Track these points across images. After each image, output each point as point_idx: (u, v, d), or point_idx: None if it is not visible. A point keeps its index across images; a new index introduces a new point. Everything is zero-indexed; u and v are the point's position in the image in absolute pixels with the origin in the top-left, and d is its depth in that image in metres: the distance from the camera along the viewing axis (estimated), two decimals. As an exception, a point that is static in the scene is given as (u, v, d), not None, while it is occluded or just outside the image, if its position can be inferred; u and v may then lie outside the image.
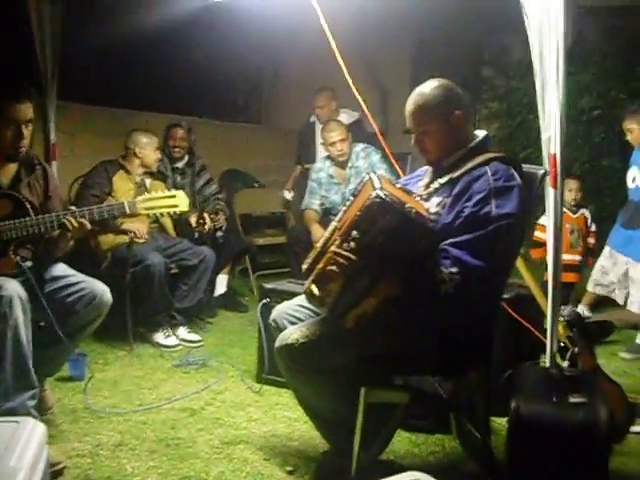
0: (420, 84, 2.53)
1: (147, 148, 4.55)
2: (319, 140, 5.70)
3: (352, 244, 2.17)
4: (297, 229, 5.28)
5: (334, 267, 2.20)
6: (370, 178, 2.31)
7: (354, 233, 2.16)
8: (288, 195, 6.15)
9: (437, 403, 2.99)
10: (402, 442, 2.97)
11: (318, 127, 5.85)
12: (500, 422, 3.05)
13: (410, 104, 2.48)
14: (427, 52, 7.31)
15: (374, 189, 2.16)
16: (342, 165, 5.03)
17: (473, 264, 2.20)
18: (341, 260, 2.18)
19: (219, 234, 5.02)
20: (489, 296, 2.44)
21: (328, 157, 5.10)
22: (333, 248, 2.23)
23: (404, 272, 2.20)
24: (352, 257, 2.16)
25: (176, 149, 5.15)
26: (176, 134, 5.16)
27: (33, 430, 1.72)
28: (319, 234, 4.81)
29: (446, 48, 7.00)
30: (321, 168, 5.15)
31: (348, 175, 5.01)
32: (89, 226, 2.82)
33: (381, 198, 2.12)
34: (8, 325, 2.52)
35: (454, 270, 2.19)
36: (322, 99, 5.79)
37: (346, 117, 5.75)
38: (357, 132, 5.34)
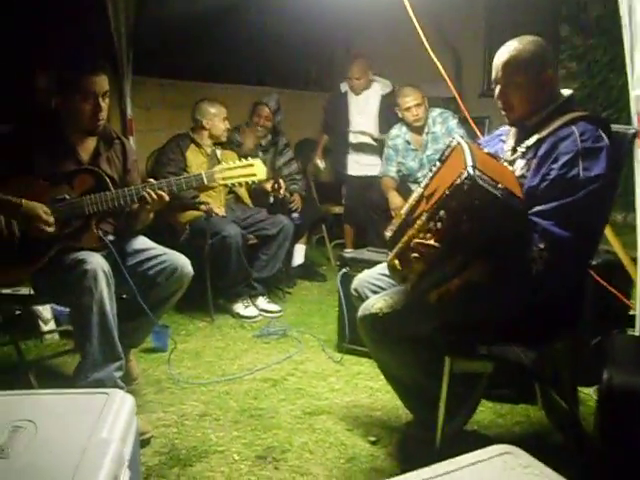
0: (494, 48, 2.43)
1: (214, 119, 4.54)
2: (354, 110, 5.73)
3: (439, 224, 2.08)
4: (376, 196, 5.20)
5: (419, 247, 2.13)
6: (460, 146, 2.19)
7: (441, 213, 2.07)
8: (321, 165, 6.05)
9: (522, 372, 2.92)
10: (486, 412, 2.93)
11: (352, 97, 5.81)
12: (587, 392, 2.97)
13: (503, 54, 2.36)
14: (501, 14, 7.06)
15: (465, 167, 2.03)
16: (418, 131, 4.93)
17: (562, 236, 2.09)
18: (425, 245, 2.11)
19: (295, 215, 4.99)
20: (578, 265, 2.33)
21: (404, 123, 5.00)
22: (419, 225, 2.15)
23: (493, 259, 2.12)
24: (436, 244, 2.09)
25: (260, 127, 5.14)
26: (262, 112, 5.14)
27: (122, 401, 1.73)
28: (397, 201, 4.75)
29: (521, 8, 6.74)
30: (397, 134, 5.06)
31: (425, 141, 4.91)
32: (167, 198, 2.82)
33: (472, 179, 1.99)
34: (94, 298, 2.56)
35: (542, 246, 2.10)
36: (358, 69, 5.65)
37: (380, 87, 5.71)
38: (391, 103, 5.26)
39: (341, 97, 5.87)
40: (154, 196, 2.78)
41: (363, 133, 5.75)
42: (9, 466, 1.45)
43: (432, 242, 2.10)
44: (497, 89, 2.39)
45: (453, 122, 4.86)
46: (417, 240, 2.14)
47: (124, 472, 1.55)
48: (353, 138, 5.79)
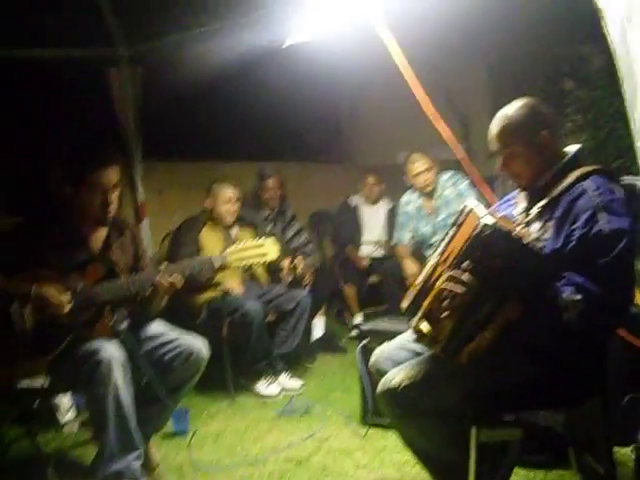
0: (499, 106, 2.43)
1: (216, 201, 4.56)
2: (366, 222, 5.91)
3: (466, 275, 2.08)
4: (391, 266, 5.19)
5: (447, 301, 2.11)
6: (472, 208, 2.22)
7: (466, 264, 2.09)
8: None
9: (553, 437, 2.83)
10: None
11: (364, 209, 6.00)
12: (624, 452, 2.86)
13: (494, 126, 2.38)
14: (504, 73, 7.14)
15: (480, 217, 2.10)
16: (430, 195, 4.93)
17: (598, 291, 2.05)
18: (456, 292, 2.09)
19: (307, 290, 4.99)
20: (612, 323, 2.27)
21: (414, 189, 5.01)
22: (443, 281, 2.14)
23: (526, 296, 2.09)
24: (469, 287, 2.07)
25: (271, 200, 5.19)
26: (270, 185, 5.20)
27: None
28: (413, 268, 4.72)
29: (523, 66, 6.82)
30: (409, 201, 5.07)
31: (437, 205, 4.90)
32: (179, 285, 2.82)
33: (492, 225, 2.05)
34: (108, 388, 2.53)
35: (577, 297, 2.05)
36: (375, 178, 5.93)
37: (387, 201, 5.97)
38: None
39: (347, 209, 6.06)
40: (165, 284, 2.78)
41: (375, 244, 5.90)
42: None
43: (465, 278, 2.08)
44: (498, 161, 2.39)
45: (464, 185, 4.85)
46: (444, 283, 2.12)
47: None
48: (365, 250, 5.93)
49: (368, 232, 5.95)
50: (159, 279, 2.78)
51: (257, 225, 4.99)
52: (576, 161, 2.34)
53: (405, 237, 5.06)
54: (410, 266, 4.81)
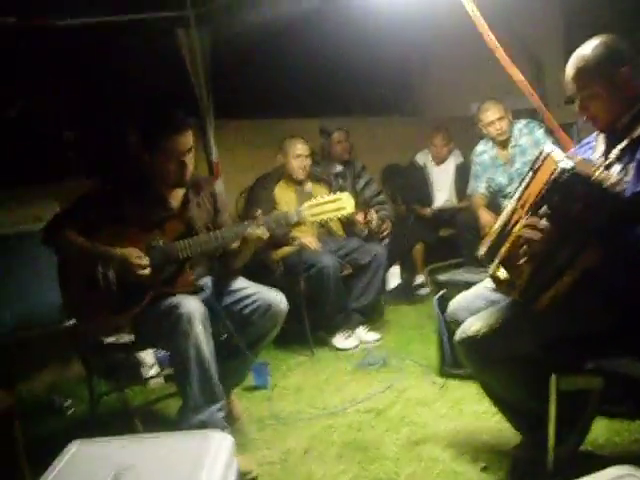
0: (575, 50, 2.33)
1: (287, 157, 4.57)
2: (435, 181, 5.83)
3: (543, 221, 2.05)
4: (466, 216, 5.14)
5: (525, 247, 2.08)
6: (550, 152, 2.16)
7: (543, 209, 2.05)
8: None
9: (636, 386, 2.77)
10: (600, 430, 2.77)
11: (432, 168, 5.90)
12: None
13: (570, 68, 2.29)
14: (579, 14, 6.88)
15: (558, 161, 2.04)
16: (504, 144, 4.82)
17: None
18: (536, 237, 2.05)
19: (386, 242, 5.00)
20: None
21: (489, 138, 4.91)
22: (520, 227, 2.10)
23: (606, 241, 2.03)
24: (548, 232, 2.04)
25: (339, 154, 5.20)
26: (336, 139, 5.20)
27: (221, 443, 1.74)
28: (488, 218, 4.65)
29: (600, 6, 6.54)
30: (483, 150, 4.97)
31: (512, 154, 4.79)
32: (266, 237, 2.85)
33: (571, 168, 1.99)
34: (190, 342, 2.60)
35: None
36: (443, 136, 5.82)
37: (455, 157, 5.90)
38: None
39: (416, 169, 5.98)
40: (255, 235, 2.82)
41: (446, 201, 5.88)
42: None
43: (543, 224, 2.04)
44: (576, 104, 2.31)
45: (540, 132, 4.72)
46: (522, 229, 2.08)
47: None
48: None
49: (437, 190, 5.89)
50: (250, 231, 2.81)
51: (330, 180, 5.01)
52: (658, 100, 2.25)
53: (480, 187, 4.97)
54: (485, 216, 4.74)
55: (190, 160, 2.89)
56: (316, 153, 5.09)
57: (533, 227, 2.07)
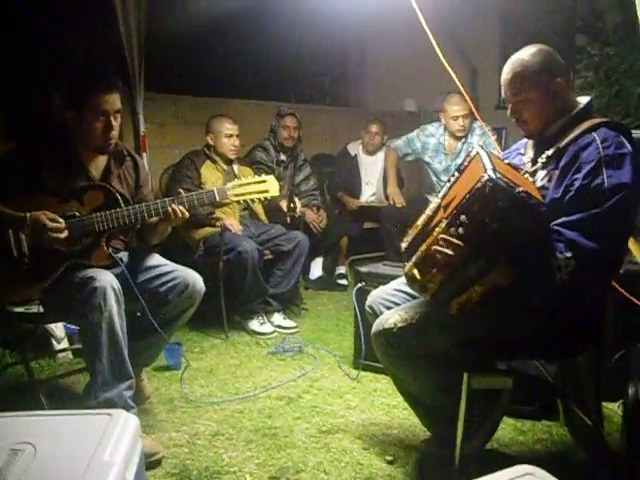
0: (510, 58, 2.35)
1: (219, 136, 4.48)
2: (365, 172, 5.86)
3: (460, 230, 2.03)
4: (390, 209, 5.18)
5: (439, 254, 2.08)
6: (479, 155, 2.14)
7: (462, 218, 2.02)
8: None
9: (543, 388, 2.84)
10: (507, 429, 2.85)
11: (364, 157, 5.90)
12: (611, 408, 2.89)
13: (507, 72, 2.30)
14: (515, 25, 7.05)
15: (485, 170, 2.01)
16: (457, 138, 4.90)
17: (589, 247, 2.03)
18: (448, 247, 2.05)
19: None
20: (605, 276, 2.26)
21: (443, 125, 4.96)
22: (438, 232, 2.10)
23: (518, 260, 2.05)
24: (460, 244, 2.03)
25: (288, 140, 5.09)
26: (291, 123, 5.07)
27: (126, 422, 1.67)
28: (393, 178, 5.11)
29: (535, 19, 6.70)
30: (432, 134, 5.06)
31: (459, 149, 4.89)
32: (187, 214, 2.79)
33: (493, 181, 1.96)
34: (102, 316, 2.52)
35: (569, 255, 2.03)
36: (377, 126, 5.80)
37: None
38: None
39: (347, 158, 5.97)
40: (178, 212, 2.75)
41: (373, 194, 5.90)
42: (6, 491, 1.40)
43: (456, 241, 2.03)
44: (509, 106, 2.33)
45: (492, 139, 4.74)
46: (440, 234, 2.08)
47: (127, 496, 1.49)
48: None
49: (365, 183, 5.90)
50: (172, 207, 2.75)
51: (273, 168, 4.97)
52: (586, 112, 2.28)
53: (403, 150, 5.16)
54: (391, 173, 5.21)
55: (116, 124, 2.80)
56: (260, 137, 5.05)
57: (450, 234, 2.06)
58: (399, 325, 2.29)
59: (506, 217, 1.99)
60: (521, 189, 2.00)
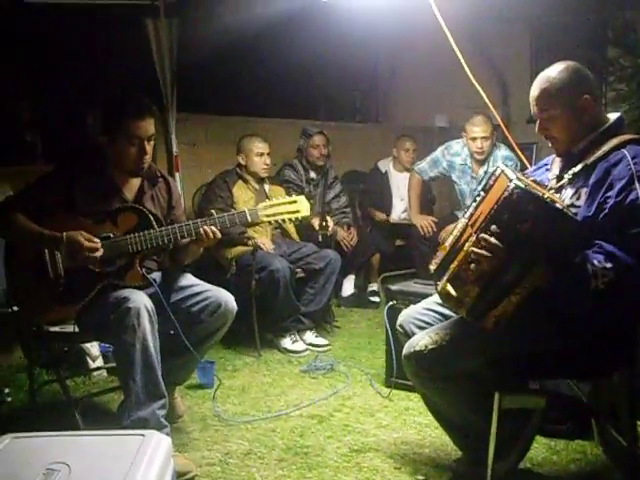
0: (541, 72, 2.36)
1: (250, 155, 4.52)
2: (396, 189, 5.83)
3: (492, 239, 2.05)
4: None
5: (473, 264, 2.09)
6: (503, 171, 2.17)
7: (493, 227, 2.06)
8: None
9: (576, 407, 2.81)
10: (540, 449, 2.82)
11: (395, 174, 5.88)
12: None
13: (535, 89, 2.32)
14: (547, 39, 7.01)
15: (509, 180, 2.05)
16: (479, 162, 4.84)
17: (629, 262, 2.03)
18: (483, 256, 2.06)
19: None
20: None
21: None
22: (469, 246, 2.11)
23: (554, 262, 2.05)
24: (496, 251, 2.04)
25: (319, 158, 5.12)
26: (320, 141, 5.10)
27: (158, 443, 1.71)
28: (422, 222, 5.01)
29: (566, 33, 6.67)
30: (458, 153, 4.94)
31: (481, 176, 4.78)
32: (219, 235, 2.83)
33: (520, 188, 2.01)
34: (136, 336, 2.56)
35: (608, 266, 2.03)
36: (412, 142, 5.78)
37: None
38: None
39: (378, 175, 5.96)
40: (209, 233, 2.78)
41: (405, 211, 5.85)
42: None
43: (493, 241, 2.05)
44: (537, 123, 2.33)
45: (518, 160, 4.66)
46: (474, 249, 2.09)
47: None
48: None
49: (397, 198, 5.88)
50: (204, 228, 2.78)
51: (303, 187, 5.00)
52: (616, 128, 2.28)
53: (426, 172, 5.09)
54: (414, 199, 5.12)
55: (150, 148, 2.85)
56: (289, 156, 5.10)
57: (482, 245, 2.08)
58: (430, 347, 2.29)
59: (536, 220, 2.02)
60: (547, 196, 2.05)
